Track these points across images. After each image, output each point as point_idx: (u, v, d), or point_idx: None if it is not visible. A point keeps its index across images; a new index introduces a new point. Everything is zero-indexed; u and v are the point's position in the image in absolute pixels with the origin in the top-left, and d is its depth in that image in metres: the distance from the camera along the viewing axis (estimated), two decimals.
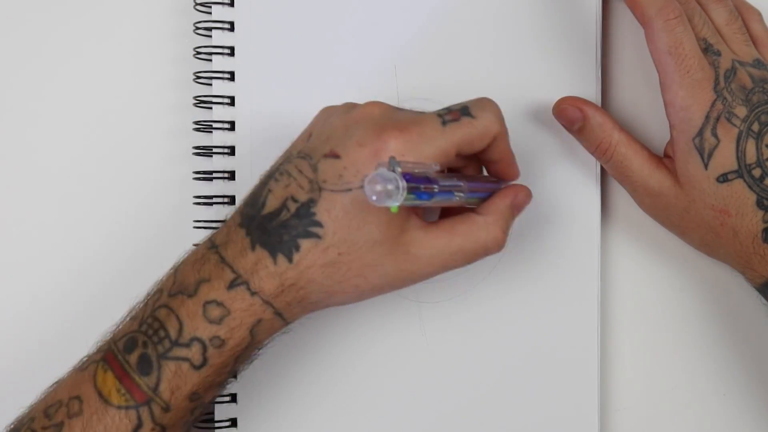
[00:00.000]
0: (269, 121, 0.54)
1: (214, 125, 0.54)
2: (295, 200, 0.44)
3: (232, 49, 0.54)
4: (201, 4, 0.54)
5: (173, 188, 0.55)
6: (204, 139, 0.54)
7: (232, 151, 0.54)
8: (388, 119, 0.44)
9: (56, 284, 0.55)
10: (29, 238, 0.55)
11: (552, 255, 0.56)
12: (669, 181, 0.51)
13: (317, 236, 0.43)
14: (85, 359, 0.46)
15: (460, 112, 0.45)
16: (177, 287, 0.45)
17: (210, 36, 0.54)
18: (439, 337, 0.55)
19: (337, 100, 0.54)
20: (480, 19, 0.55)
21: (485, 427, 0.55)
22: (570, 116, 0.53)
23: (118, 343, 0.45)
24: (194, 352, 0.44)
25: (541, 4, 0.55)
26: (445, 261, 0.46)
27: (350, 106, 0.47)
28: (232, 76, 0.54)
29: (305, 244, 0.43)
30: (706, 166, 0.49)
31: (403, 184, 0.39)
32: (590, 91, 0.55)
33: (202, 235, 0.54)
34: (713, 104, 0.49)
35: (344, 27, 0.55)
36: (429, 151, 0.43)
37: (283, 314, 0.45)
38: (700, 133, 0.49)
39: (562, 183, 0.55)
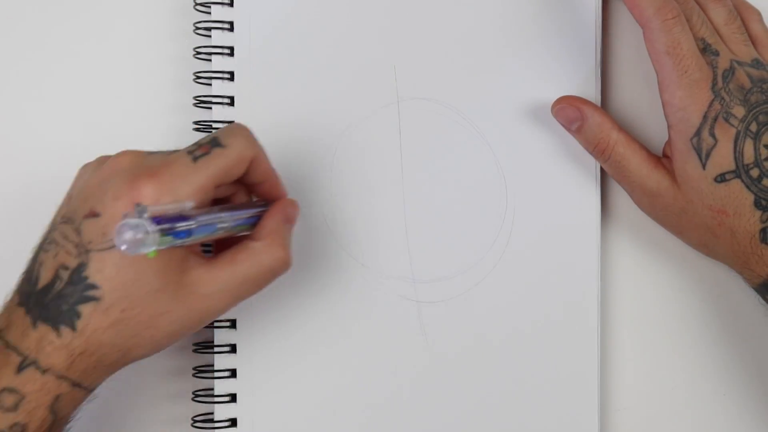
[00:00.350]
0: (269, 121, 0.54)
1: (214, 125, 0.54)
2: (65, 268, 0.43)
3: (231, 49, 0.54)
4: (201, 4, 0.54)
5: None
6: None
7: None
8: (139, 167, 0.43)
9: None
10: (29, 238, 0.56)
11: (552, 255, 0.56)
12: (667, 181, 0.51)
13: (95, 298, 0.42)
14: None
15: (210, 144, 0.44)
16: None
17: (210, 36, 0.54)
18: (439, 337, 0.55)
19: (337, 100, 0.54)
20: (480, 19, 0.55)
21: (485, 427, 0.55)
22: (569, 115, 0.53)
23: None
24: None
25: (541, 4, 0.55)
26: (235, 293, 0.45)
27: (102, 160, 0.46)
28: (231, 76, 0.54)
29: (85, 309, 0.42)
30: (703, 166, 0.49)
31: (152, 228, 0.38)
32: (590, 91, 0.55)
33: None
34: (711, 104, 0.49)
35: (344, 27, 0.55)
36: (185, 190, 0.43)
37: (81, 384, 0.44)
38: (698, 133, 0.49)
39: (562, 183, 0.55)
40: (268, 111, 0.54)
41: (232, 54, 0.54)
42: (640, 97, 0.56)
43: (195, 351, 0.53)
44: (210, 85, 0.54)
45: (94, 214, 0.43)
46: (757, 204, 0.49)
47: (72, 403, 0.44)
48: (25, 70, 0.56)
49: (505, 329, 0.55)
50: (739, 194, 0.49)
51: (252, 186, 0.48)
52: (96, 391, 0.46)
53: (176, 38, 0.55)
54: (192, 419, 0.54)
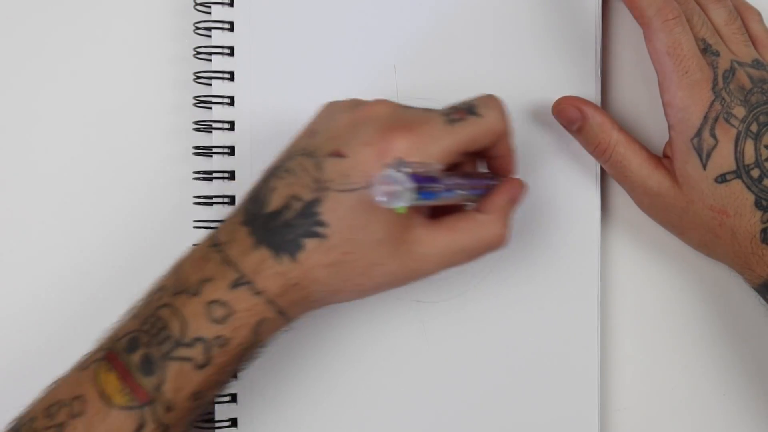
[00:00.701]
0: (269, 121, 0.54)
1: (214, 125, 0.54)
2: (299, 199, 0.43)
3: (231, 49, 0.54)
4: (201, 4, 0.54)
5: (173, 188, 0.55)
6: (204, 139, 0.54)
7: (232, 151, 0.54)
8: (395, 119, 0.44)
9: (56, 283, 0.55)
10: (29, 238, 0.56)
11: (552, 255, 0.56)
12: (668, 182, 0.51)
13: (321, 236, 0.43)
14: (86, 358, 0.45)
15: (466, 110, 0.45)
16: (179, 286, 0.45)
17: (210, 36, 0.54)
18: (439, 336, 0.55)
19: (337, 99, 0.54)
20: (480, 19, 0.55)
21: (485, 427, 0.55)
22: (569, 116, 0.53)
23: (120, 342, 0.44)
24: (197, 352, 0.43)
25: (541, 4, 0.55)
26: (449, 259, 0.46)
27: (355, 103, 0.47)
28: (231, 76, 0.54)
29: (309, 243, 0.43)
30: (704, 166, 0.49)
31: (411, 185, 0.39)
32: (590, 91, 0.55)
33: (202, 235, 0.54)
34: (712, 105, 0.49)
35: (344, 27, 0.55)
36: (435, 150, 0.43)
37: (286, 313, 0.45)
38: (699, 133, 0.49)
39: (562, 183, 0.55)
40: (268, 111, 0.54)
41: (232, 54, 0.54)
42: (640, 97, 0.56)
43: None
44: (210, 85, 0.54)
45: (339, 154, 0.43)
46: (758, 204, 0.49)
47: (272, 330, 0.45)
48: (26, 70, 0.56)
49: (504, 329, 0.55)
50: (739, 195, 0.49)
51: (489, 158, 0.49)
52: (293, 324, 0.47)
53: (176, 38, 0.55)
54: None
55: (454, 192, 0.45)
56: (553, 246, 0.55)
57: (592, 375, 0.55)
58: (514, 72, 0.55)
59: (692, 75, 0.49)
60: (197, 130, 0.54)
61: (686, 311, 0.57)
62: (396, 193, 0.39)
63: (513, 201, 0.48)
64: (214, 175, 0.54)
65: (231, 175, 0.54)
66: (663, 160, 0.52)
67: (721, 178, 0.49)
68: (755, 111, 0.49)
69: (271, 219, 0.44)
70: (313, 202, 0.43)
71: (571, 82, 0.55)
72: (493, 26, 0.55)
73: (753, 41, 0.53)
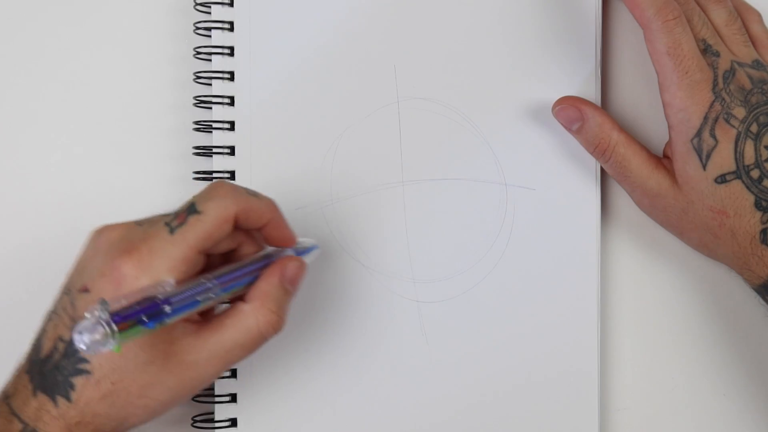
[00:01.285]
0: (269, 121, 0.54)
1: (214, 125, 0.54)
2: (62, 340, 0.44)
3: (231, 49, 0.54)
4: (201, 4, 0.54)
5: (173, 188, 0.56)
6: (204, 139, 0.54)
7: (232, 151, 0.54)
8: (121, 242, 0.43)
9: (55, 282, 0.55)
10: (28, 237, 0.56)
11: (552, 255, 0.56)
12: (668, 182, 0.51)
13: (87, 372, 0.43)
14: None
15: (186, 212, 0.44)
16: None
17: (210, 36, 0.54)
18: (439, 337, 0.55)
19: (337, 100, 0.54)
20: (480, 19, 0.55)
21: (485, 427, 0.55)
22: (569, 116, 0.53)
23: None
24: None
25: (541, 4, 0.55)
26: (224, 358, 0.45)
27: (101, 230, 0.46)
28: (231, 76, 0.54)
29: (78, 381, 0.43)
30: (704, 166, 0.49)
31: (111, 328, 0.38)
32: (590, 91, 0.55)
33: None
34: (712, 105, 0.49)
35: (344, 27, 0.55)
36: (163, 266, 0.42)
37: None
38: (699, 134, 0.49)
39: (562, 183, 0.55)
40: (268, 111, 0.54)
41: (232, 54, 0.54)
42: (640, 97, 0.56)
43: None
44: (210, 85, 0.54)
45: (85, 290, 0.43)
46: (758, 205, 0.49)
47: None
48: (26, 70, 0.56)
49: (504, 329, 0.55)
50: (739, 195, 0.49)
51: (257, 233, 0.48)
52: None
53: (176, 38, 0.55)
54: (192, 419, 0.54)
55: (197, 302, 0.43)
56: (553, 246, 0.55)
57: (592, 375, 0.55)
58: (514, 72, 0.55)
59: (692, 75, 0.49)
60: (197, 130, 0.54)
61: (686, 311, 0.57)
62: (97, 340, 0.38)
63: (285, 281, 0.47)
64: (214, 175, 0.54)
65: (231, 175, 0.54)
66: (663, 160, 0.52)
67: (721, 179, 0.49)
68: (755, 111, 0.49)
69: (45, 363, 0.44)
70: (73, 341, 0.42)
71: (571, 82, 0.55)
72: (493, 26, 0.55)
73: (753, 42, 0.53)
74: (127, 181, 0.56)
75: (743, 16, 0.53)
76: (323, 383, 0.55)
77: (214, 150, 0.54)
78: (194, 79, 0.54)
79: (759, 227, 0.49)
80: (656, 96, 0.50)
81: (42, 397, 0.44)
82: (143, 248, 0.43)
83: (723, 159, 0.49)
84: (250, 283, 0.46)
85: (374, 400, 0.55)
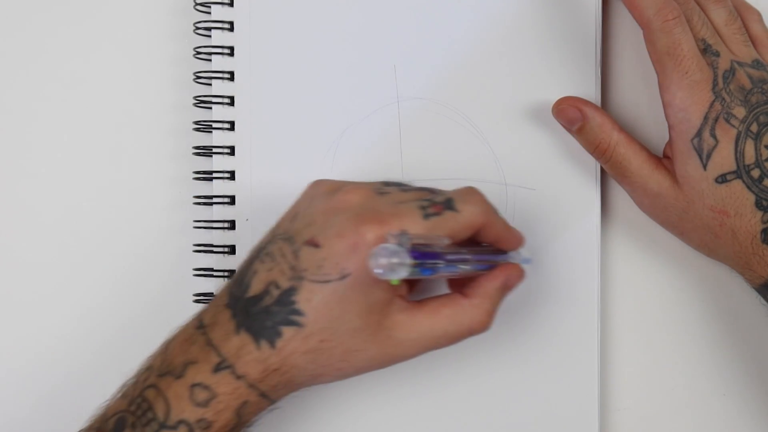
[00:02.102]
0: (269, 121, 0.54)
1: (214, 125, 0.54)
2: (277, 286, 0.44)
3: (231, 49, 0.54)
4: (201, 4, 0.54)
5: (173, 188, 0.56)
6: (204, 139, 0.55)
7: (232, 151, 0.54)
8: (369, 209, 0.44)
9: (53, 280, 0.56)
10: (28, 237, 0.56)
11: (552, 255, 0.55)
12: (668, 182, 0.51)
13: (298, 324, 0.44)
14: None
15: (444, 204, 0.45)
16: (165, 367, 0.45)
17: (210, 36, 0.54)
18: None
19: (337, 100, 0.54)
20: (480, 19, 0.55)
21: (485, 427, 0.55)
22: (569, 116, 0.53)
23: (109, 422, 0.45)
24: None
25: (541, 5, 0.55)
26: (429, 343, 0.46)
27: (335, 188, 0.46)
28: (231, 76, 0.54)
29: (287, 331, 0.44)
30: (704, 166, 0.49)
31: (408, 260, 0.40)
32: (590, 91, 0.55)
33: (202, 235, 0.54)
34: (712, 105, 0.49)
35: (344, 27, 0.55)
36: None
37: (268, 395, 0.45)
38: (699, 133, 0.49)
39: (562, 183, 0.55)
40: (268, 111, 0.54)
41: (232, 54, 0.54)
42: (640, 97, 0.56)
43: None
44: (210, 85, 0.54)
45: (315, 244, 0.44)
46: (758, 204, 0.49)
47: (256, 410, 0.46)
48: (26, 70, 0.56)
49: (504, 329, 0.55)
50: (740, 195, 0.49)
51: (483, 239, 0.49)
52: (278, 403, 0.47)
53: (176, 38, 0.56)
54: None
55: (456, 267, 0.45)
56: (553, 246, 0.55)
57: (592, 375, 0.55)
58: (514, 72, 0.55)
59: (692, 75, 0.49)
60: (197, 130, 0.54)
61: (686, 311, 0.57)
62: (392, 265, 0.40)
63: (504, 288, 0.48)
64: (214, 175, 0.54)
65: (231, 175, 0.54)
66: (663, 160, 0.52)
67: (722, 179, 0.49)
68: (755, 111, 0.49)
69: (252, 304, 0.44)
70: (290, 290, 0.44)
71: (572, 82, 0.55)
72: (493, 26, 0.55)
73: (753, 41, 0.52)
74: (127, 181, 0.56)
75: (743, 15, 0.53)
76: (322, 386, 0.54)
77: (214, 150, 0.54)
78: (194, 79, 0.54)
79: (760, 227, 0.49)
80: (656, 96, 0.50)
81: (245, 337, 0.44)
82: (393, 222, 0.43)
83: (723, 159, 0.49)
84: (482, 270, 0.48)
85: (374, 400, 0.55)
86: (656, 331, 0.57)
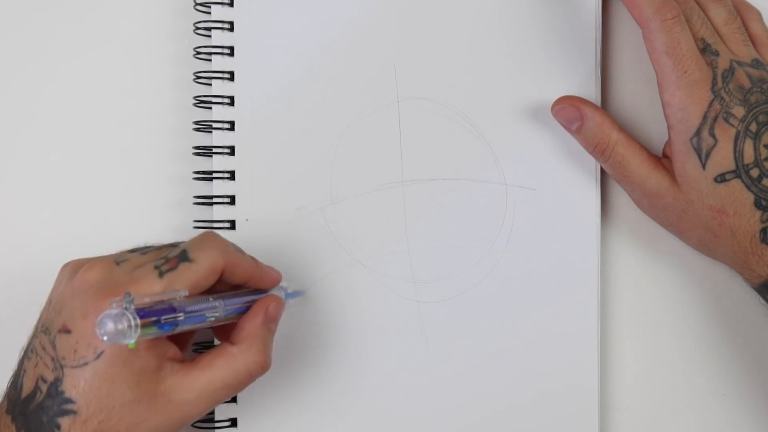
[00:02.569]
0: (269, 121, 0.54)
1: (214, 125, 0.54)
2: (44, 380, 0.44)
3: (231, 49, 0.54)
4: (201, 4, 0.54)
5: (173, 188, 0.56)
6: (204, 139, 0.55)
7: (232, 151, 0.54)
8: (106, 283, 0.44)
9: (53, 280, 0.56)
10: (28, 237, 0.56)
11: (552, 255, 0.55)
12: (667, 182, 0.51)
13: (73, 412, 0.43)
14: None
15: (178, 258, 0.45)
16: None
17: (210, 36, 0.54)
18: (439, 336, 0.55)
19: (337, 100, 0.54)
20: (480, 19, 0.55)
21: (485, 427, 0.55)
22: (568, 115, 0.53)
23: None
24: None
25: (541, 5, 0.55)
26: (212, 397, 0.46)
27: (75, 268, 0.46)
28: (231, 76, 0.54)
29: (64, 421, 0.43)
30: (703, 166, 0.49)
31: (135, 321, 0.39)
32: (590, 91, 0.55)
33: None
34: (711, 104, 0.49)
35: (344, 27, 0.55)
36: None
37: None
38: (698, 133, 0.49)
39: (562, 183, 0.55)
40: (268, 110, 0.54)
41: (232, 54, 0.54)
42: (640, 97, 0.56)
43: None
44: (210, 85, 0.54)
45: (66, 330, 0.44)
46: (757, 204, 0.49)
47: None
48: (26, 70, 0.56)
49: (504, 329, 0.55)
50: (739, 194, 0.49)
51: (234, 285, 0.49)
52: None
53: (176, 38, 0.56)
54: None
55: (204, 316, 0.44)
56: (553, 246, 0.55)
57: (592, 375, 0.55)
58: (514, 72, 0.55)
59: (691, 75, 0.49)
60: (197, 130, 0.54)
61: (686, 311, 0.57)
62: (119, 330, 0.39)
63: (267, 322, 0.48)
64: (214, 175, 0.54)
65: (231, 175, 0.54)
66: (662, 160, 0.52)
67: (721, 178, 0.49)
68: (754, 111, 0.49)
69: (26, 404, 0.44)
70: (56, 382, 0.43)
71: (571, 82, 0.55)
72: (493, 26, 0.55)
73: (752, 41, 0.52)
74: (127, 181, 0.56)
75: (743, 14, 0.53)
76: (323, 383, 0.55)
77: (214, 150, 0.54)
78: (194, 79, 0.54)
79: (759, 226, 0.49)
80: (656, 96, 0.50)
81: None
82: (131, 289, 0.43)
83: (722, 158, 0.49)
84: (241, 313, 0.48)
85: (374, 400, 0.55)
86: (656, 331, 0.57)
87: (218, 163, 0.54)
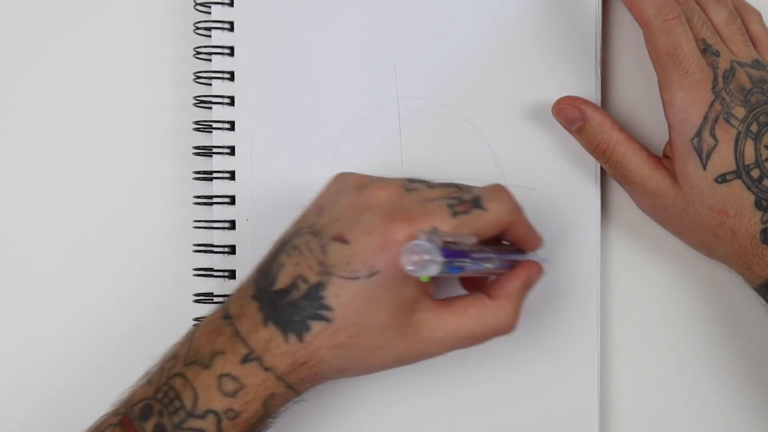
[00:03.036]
0: (269, 121, 0.54)
1: (214, 125, 0.54)
2: (305, 281, 0.44)
3: (231, 49, 0.54)
4: (201, 4, 0.54)
5: (173, 188, 0.56)
6: (204, 139, 0.55)
7: (232, 151, 0.54)
8: (398, 207, 0.44)
9: (52, 279, 0.56)
10: (28, 237, 0.56)
11: (552, 255, 0.55)
12: (668, 182, 0.51)
13: (327, 319, 0.44)
14: (102, 421, 0.46)
15: (472, 203, 0.45)
16: (192, 356, 0.45)
17: (210, 36, 0.54)
18: None
19: (337, 100, 0.54)
20: (480, 19, 0.55)
21: (485, 427, 0.55)
22: (569, 116, 0.53)
23: (135, 408, 0.45)
24: (209, 424, 0.44)
25: (541, 5, 0.55)
26: (455, 343, 0.46)
27: (362, 183, 0.46)
28: (231, 76, 0.54)
29: (315, 326, 0.44)
30: (704, 166, 0.49)
31: (440, 258, 0.40)
32: (590, 91, 0.55)
33: (203, 235, 0.54)
34: (711, 105, 0.49)
35: (344, 27, 0.55)
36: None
37: (295, 388, 0.46)
38: (699, 133, 0.49)
39: (562, 183, 0.55)
40: (268, 111, 0.54)
41: (232, 54, 0.54)
42: (640, 97, 0.56)
43: None
44: (210, 85, 0.54)
45: (343, 240, 0.44)
46: (758, 204, 0.49)
47: (282, 402, 0.46)
48: (26, 70, 0.56)
49: None
50: (739, 195, 0.49)
51: (506, 238, 0.49)
52: (303, 395, 0.47)
53: (176, 38, 0.56)
54: None
55: (481, 265, 0.45)
56: (553, 246, 0.55)
57: (592, 375, 0.55)
58: (514, 72, 0.55)
59: (692, 75, 0.49)
60: (197, 130, 0.54)
61: (686, 311, 0.57)
62: (424, 263, 0.40)
63: (526, 286, 0.48)
64: (214, 175, 0.54)
65: (231, 175, 0.54)
66: (663, 160, 0.52)
67: (721, 179, 0.49)
68: (755, 111, 0.49)
69: (279, 297, 0.44)
70: (318, 286, 0.44)
71: (572, 82, 0.55)
72: (493, 26, 0.55)
73: (753, 41, 0.52)
74: (127, 181, 0.56)
75: (743, 15, 0.53)
76: (321, 387, 0.54)
77: (214, 150, 0.54)
78: (194, 79, 0.54)
79: (759, 227, 0.49)
80: (656, 96, 0.50)
81: (273, 330, 0.44)
82: (422, 221, 0.43)
83: (723, 158, 0.49)
84: (503, 269, 0.48)
85: (374, 400, 0.55)
86: (656, 331, 0.57)
87: (218, 162, 0.54)
